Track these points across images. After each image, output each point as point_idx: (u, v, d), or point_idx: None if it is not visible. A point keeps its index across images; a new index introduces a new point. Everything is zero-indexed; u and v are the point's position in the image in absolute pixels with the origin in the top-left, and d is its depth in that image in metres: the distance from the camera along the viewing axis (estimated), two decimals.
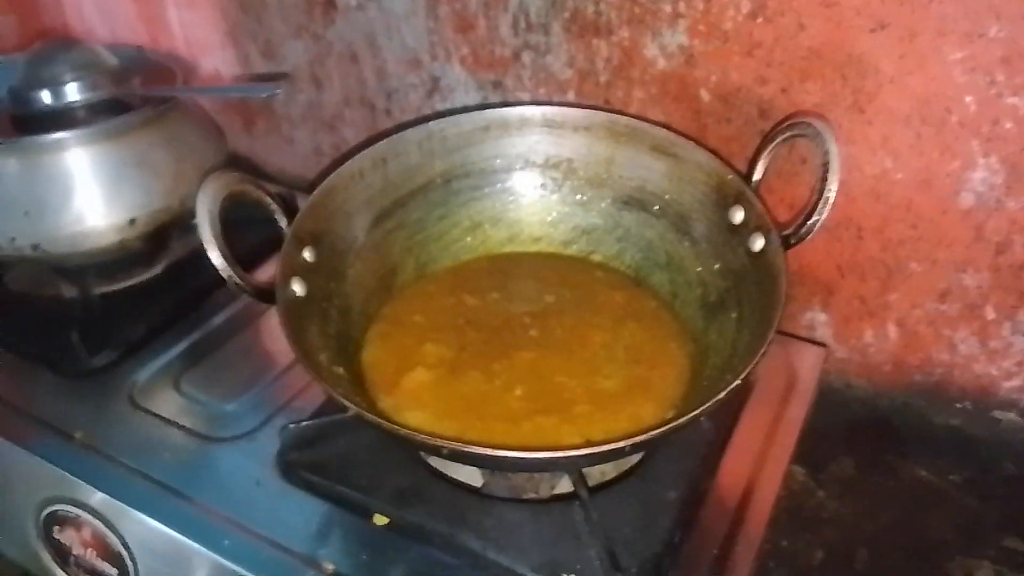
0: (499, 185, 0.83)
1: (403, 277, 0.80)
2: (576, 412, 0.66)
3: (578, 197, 0.82)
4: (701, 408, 0.55)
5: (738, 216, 0.71)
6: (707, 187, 0.74)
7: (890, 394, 0.83)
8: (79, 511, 0.69)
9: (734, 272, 0.71)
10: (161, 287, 0.90)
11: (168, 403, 0.77)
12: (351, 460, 0.67)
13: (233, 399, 0.77)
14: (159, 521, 0.65)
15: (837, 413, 0.84)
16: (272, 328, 0.83)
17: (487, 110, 0.81)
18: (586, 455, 0.55)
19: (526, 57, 0.88)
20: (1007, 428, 0.79)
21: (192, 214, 0.63)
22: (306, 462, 0.68)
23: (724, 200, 0.72)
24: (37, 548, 0.73)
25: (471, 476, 0.67)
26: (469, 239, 0.84)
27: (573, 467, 0.62)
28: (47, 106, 0.84)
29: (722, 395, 0.55)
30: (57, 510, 0.70)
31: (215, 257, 0.62)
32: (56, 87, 0.83)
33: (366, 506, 0.65)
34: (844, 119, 0.73)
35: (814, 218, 0.65)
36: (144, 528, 0.66)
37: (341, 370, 0.67)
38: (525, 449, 0.54)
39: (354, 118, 1.05)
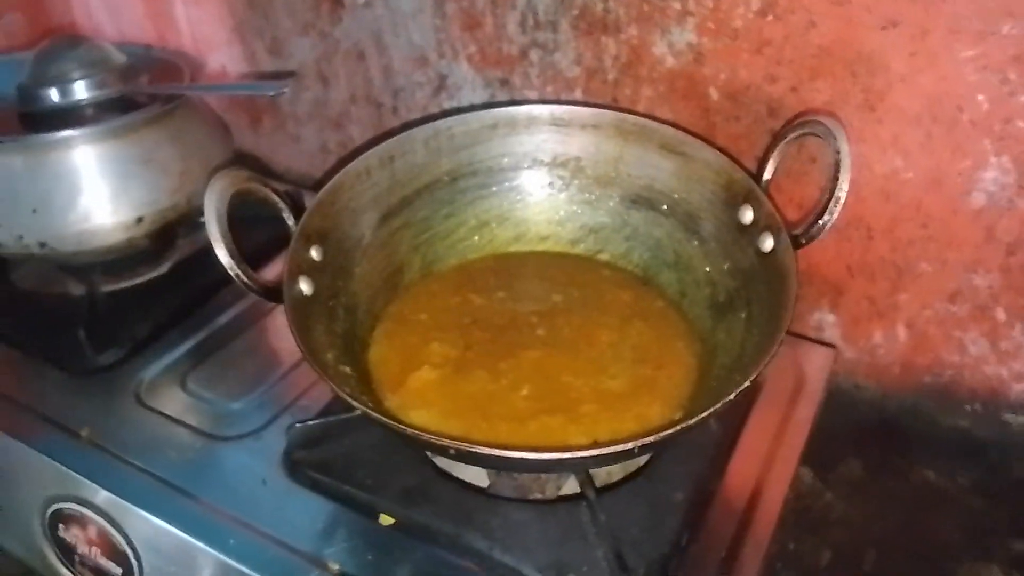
0: (506, 184, 0.83)
1: (409, 276, 0.80)
2: (582, 412, 0.66)
3: (586, 196, 0.82)
4: (711, 409, 0.54)
5: (747, 215, 0.70)
6: (716, 186, 0.74)
7: (899, 396, 0.83)
8: (84, 509, 0.69)
9: (743, 272, 0.70)
10: (168, 285, 0.90)
11: (174, 401, 0.77)
12: (357, 459, 0.67)
13: (239, 398, 0.77)
14: (164, 520, 0.65)
15: (845, 414, 0.84)
16: (279, 326, 0.82)
17: (495, 108, 0.81)
18: (594, 456, 0.55)
19: (534, 55, 0.87)
20: (1017, 430, 0.78)
21: (199, 212, 0.63)
22: (312, 461, 0.68)
23: (733, 199, 0.72)
24: (42, 546, 0.73)
25: (477, 476, 0.67)
26: (476, 238, 0.83)
27: (581, 468, 0.62)
28: (55, 104, 0.83)
29: (732, 396, 0.55)
30: (62, 508, 0.70)
31: (222, 255, 0.62)
32: (64, 85, 0.83)
33: (372, 505, 0.65)
34: (854, 118, 0.73)
35: (825, 218, 0.65)
36: (149, 527, 0.66)
37: (348, 369, 0.67)
38: (533, 449, 0.54)
39: (360, 116, 1.05)
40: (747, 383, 0.55)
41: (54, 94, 0.83)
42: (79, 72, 0.84)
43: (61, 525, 0.71)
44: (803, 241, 0.66)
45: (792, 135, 0.69)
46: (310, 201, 0.71)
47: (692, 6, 0.76)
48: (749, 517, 0.65)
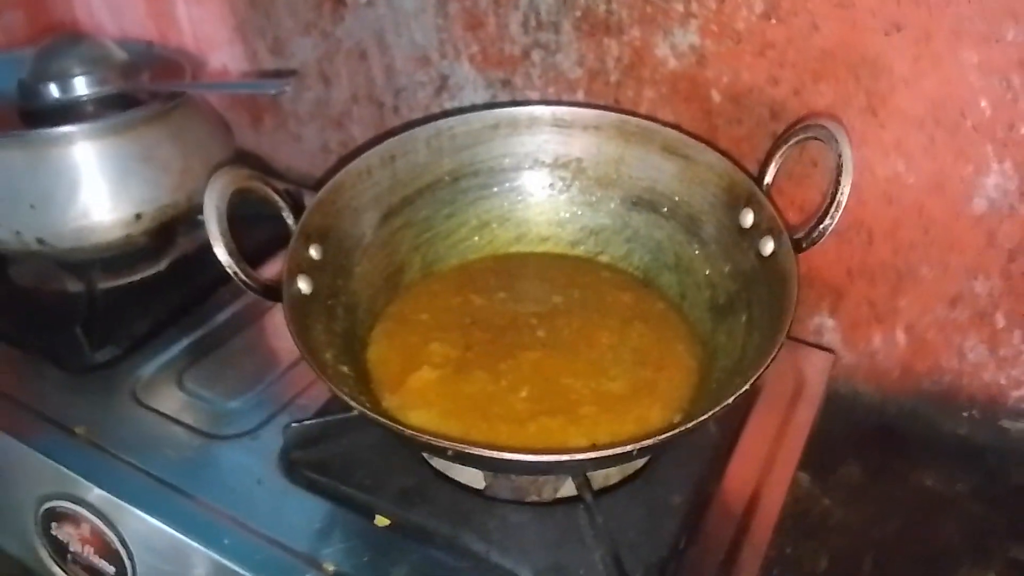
0: (507, 184, 0.82)
1: (410, 275, 0.80)
2: (582, 414, 0.65)
3: (587, 197, 0.82)
4: (711, 412, 0.54)
5: (748, 218, 0.70)
6: (718, 189, 0.73)
7: (898, 401, 0.83)
8: (78, 507, 0.68)
9: (744, 275, 0.70)
10: (166, 283, 0.90)
11: (171, 400, 0.77)
12: (354, 460, 0.67)
13: (236, 396, 0.77)
14: (159, 519, 0.65)
15: (844, 419, 0.83)
16: (277, 325, 0.82)
17: (497, 108, 0.80)
18: (592, 459, 0.55)
19: (536, 56, 0.87)
20: (1015, 437, 0.78)
21: (199, 210, 0.63)
22: (309, 461, 0.68)
23: (735, 202, 0.72)
24: (35, 544, 0.73)
25: (474, 477, 0.66)
26: (476, 238, 0.83)
27: (579, 470, 0.62)
28: (55, 100, 0.83)
29: (732, 399, 0.54)
30: (56, 506, 0.70)
31: (221, 253, 0.62)
32: (64, 81, 0.83)
33: (369, 506, 0.64)
34: (857, 121, 0.73)
35: (826, 222, 0.64)
36: (143, 525, 0.65)
37: (346, 368, 0.66)
38: (531, 451, 0.54)
39: (362, 116, 1.05)
40: (747, 386, 0.55)
41: (54, 90, 0.83)
42: (80, 69, 0.83)
43: (54, 523, 0.70)
44: (804, 245, 0.66)
45: (794, 138, 0.69)
46: (310, 200, 0.71)
47: (695, 8, 0.76)
48: (747, 521, 0.65)
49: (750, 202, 0.70)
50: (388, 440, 0.65)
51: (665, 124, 0.78)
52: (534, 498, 0.65)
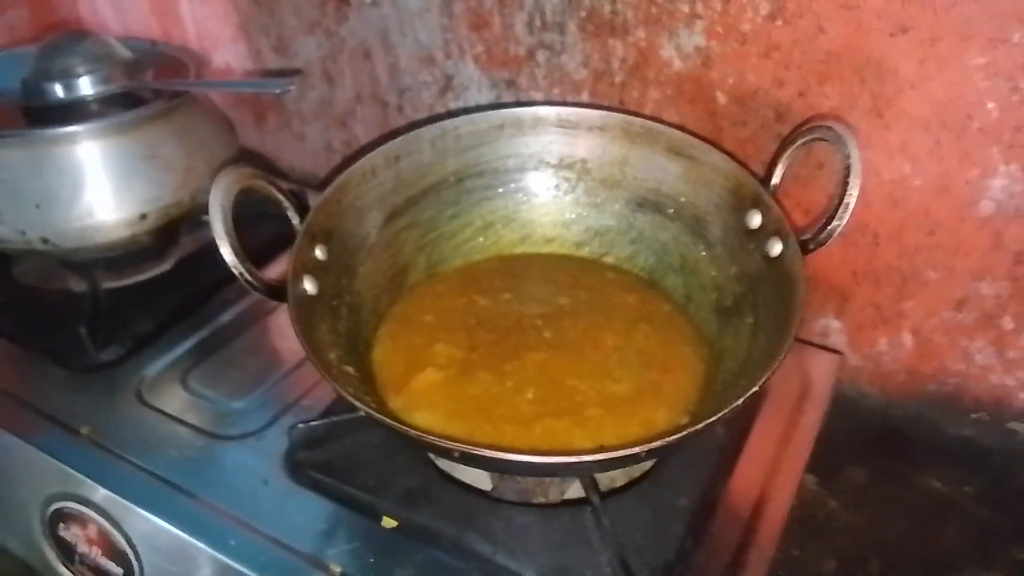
0: (512, 185, 0.82)
1: (414, 276, 0.80)
2: (587, 415, 0.65)
3: (592, 198, 0.82)
4: (719, 414, 0.54)
5: (755, 220, 0.70)
6: (723, 190, 0.73)
7: (904, 403, 0.83)
8: (84, 508, 0.68)
9: (750, 276, 0.70)
10: (170, 282, 0.90)
11: (175, 400, 0.76)
12: (360, 460, 0.67)
13: (241, 397, 0.77)
14: (164, 519, 0.65)
15: (849, 421, 0.83)
16: (282, 325, 0.83)
17: (502, 109, 0.80)
18: (600, 460, 0.55)
19: (541, 56, 0.87)
20: (1022, 439, 0.78)
21: (203, 209, 0.63)
22: (314, 462, 0.68)
23: (741, 203, 0.72)
24: (41, 545, 0.73)
25: (480, 479, 0.66)
26: (481, 239, 0.83)
27: (586, 472, 0.62)
28: (59, 99, 0.83)
29: (740, 401, 0.54)
30: (62, 507, 0.70)
31: (226, 253, 0.62)
32: (68, 80, 0.83)
33: (374, 507, 0.64)
34: (862, 123, 0.73)
35: (834, 223, 0.64)
36: (150, 526, 0.65)
37: (351, 369, 0.66)
38: (538, 453, 0.53)
39: (366, 115, 1.05)
40: (755, 388, 0.55)
41: (58, 89, 0.83)
42: (83, 67, 0.83)
43: (61, 524, 0.70)
44: (811, 246, 0.66)
45: (802, 140, 0.69)
46: (315, 200, 0.71)
47: (700, 9, 0.75)
48: (754, 524, 0.65)
49: (757, 203, 0.70)
50: (393, 441, 0.65)
51: (670, 125, 0.77)
52: (540, 500, 0.65)
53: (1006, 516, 0.74)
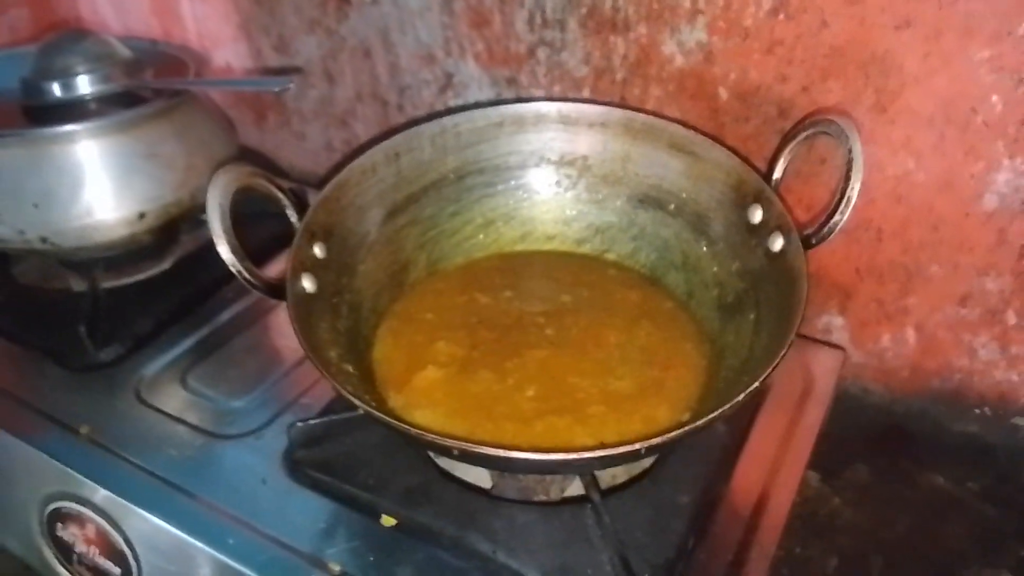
0: (513, 182, 0.82)
1: (415, 274, 0.79)
2: (589, 413, 0.65)
3: (593, 195, 0.81)
4: (719, 411, 0.53)
5: (757, 215, 0.70)
6: (725, 186, 0.73)
7: (907, 400, 0.82)
8: (82, 508, 0.68)
9: (752, 273, 0.70)
10: (170, 282, 0.89)
11: (174, 399, 0.76)
12: (359, 459, 0.67)
13: (240, 396, 0.76)
14: (163, 519, 0.64)
15: (853, 418, 0.83)
16: (281, 324, 0.82)
17: (502, 106, 0.80)
18: (600, 457, 0.54)
19: (541, 53, 0.87)
20: None
21: (202, 208, 0.62)
22: (313, 460, 0.68)
23: (743, 199, 0.71)
24: (40, 544, 0.72)
25: (481, 477, 0.66)
26: (482, 236, 0.83)
27: (586, 469, 0.61)
28: (58, 98, 0.83)
29: (741, 397, 0.54)
30: (61, 507, 0.69)
31: (224, 251, 0.61)
32: (68, 79, 0.82)
33: (374, 506, 0.64)
34: (866, 119, 0.72)
35: (836, 218, 0.64)
36: (148, 526, 0.65)
37: (350, 367, 0.66)
38: (537, 450, 0.53)
39: (366, 114, 1.05)
40: (756, 384, 0.55)
41: (57, 88, 0.82)
42: (83, 66, 0.83)
43: (59, 524, 0.70)
44: (814, 242, 0.65)
45: (804, 134, 0.69)
46: (314, 198, 0.71)
47: (702, 5, 0.75)
48: (756, 521, 0.64)
49: (759, 199, 0.70)
50: (393, 439, 0.65)
51: (672, 121, 0.77)
52: (541, 498, 0.64)
53: (1010, 513, 0.73)
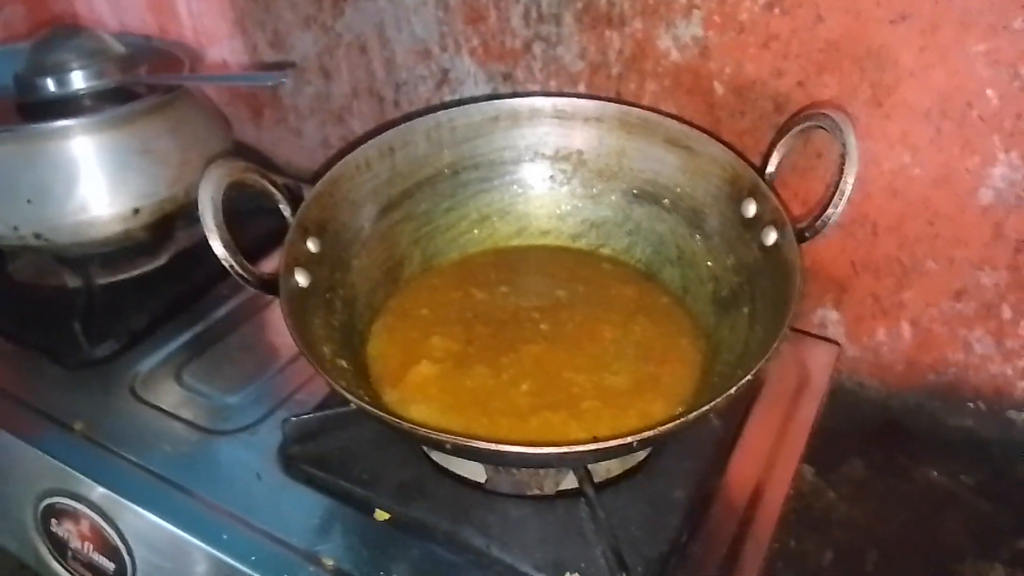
0: (508, 177, 0.82)
1: (410, 269, 0.79)
2: (583, 408, 0.65)
3: (588, 190, 0.81)
4: (710, 404, 0.53)
5: (751, 209, 0.70)
6: (721, 180, 0.73)
7: (902, 394, 0.82)
8: (77, 504, 0.68)
9: (747, 267, 0.70)
10: (165, 278, 0.89)
11: (169, 395, 0.76)
12: (353, 454, 0.66)
13: (235, 391, 0.76)
14: (158, 515, 0.64)
15: (848, 413, 0.83)
16: (276, 320, 0.81)
17: (497, 100, 0.80)
18: (592, 451, 0.54)
19: (537, 48, 0.86)
20: (1022, 429, 0.77)
21: (197, 204, 0.62)
22: (308, 456, 0.67)
23: (738, 193, 0.71)
24: (35, 541, 0.72)
25: (475, 472, 0.66)
26: (477, 232, 0.83)
27: (579, 463, 0.61)
28: (52, 94, 0.83)
29: (733, 391, 0.54)
30: (55, 503, 0.69)
31: (217, 246, 0.61)
32: (61, 74, 0.83)
33: (368, 501, 0.64)
34: (862, 113, 0.72)
35: (829, 211, 0.64)
36: (142, 522, 0.65)
37: (345, 363, 0.66)
38: (529, 444, 0.53)
39: (362, 110, 1.04)
40: (748, 377, 0.54)
41: (51, 84, 0.82)
42: (77, 62, 0.83)
43: (54, 520, 0.70)
44: (808, 235, 0.65)
45: (799, 127, 0.68)
46: (308, 193, 0.70)
47: None
48: (750, 515, 0.64)
49: (753, 193, 0.70)
50: (387, 434, 0.65)
51: (668, 116, 0.77)
52: (536, 492, 0.64)
53: (1005, 507, 0.73)
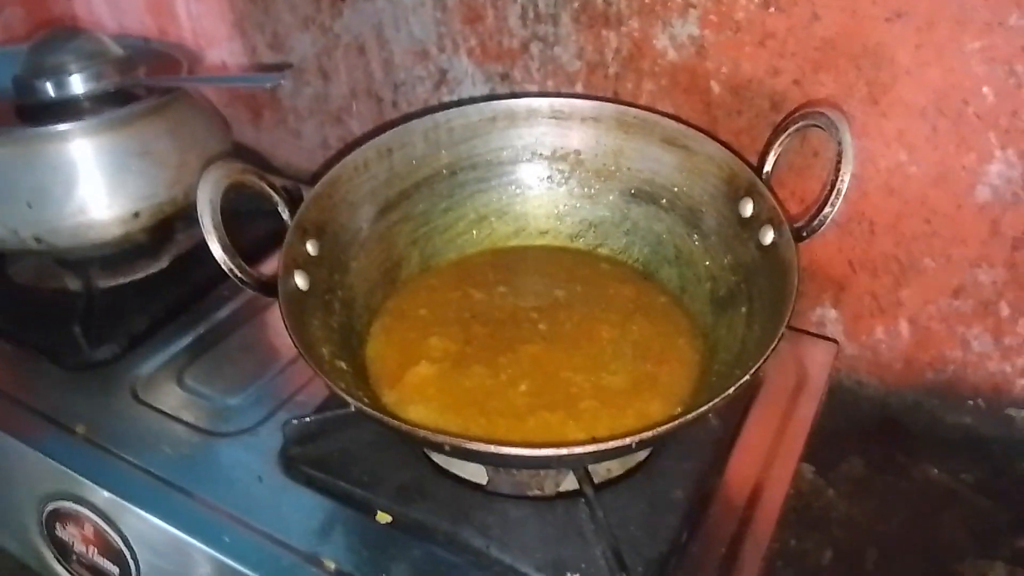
0: (505, 177, 0.82)
1: (408, 270, 0.80)
2: (582, 408, 0.65)
3: (585, 190, 0.81)
4: (709, 404, 0.53)
5: (748, 209, 0.70)
6: (718, 179, 0.73)
7: (901, 392, 0.82)
8: (80, 507, 0.68)
9: (744, 266, 0.70)
10: (166, 280, 0.89)
11: (170, 397, 0.76)
12: (354, 456, 0.67)
13: (236, 394, 0.76)
14: (160, 518, 0.64)
15: (847, 411, 0.83)
16: (277, 321, 0.81)
17: (494, 101, 0.80)
18: (591, 452, 0.54)
19: (534, 48, 0.87)
20: (1021, 427, 0.77)
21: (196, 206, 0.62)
22: (308, 458, 0.68)
23: (735, 193, 0.71)
24: (39, 544, 0.73)
25: (475, 473, 0.66)
26: (475, 232, 0.83)
27: (578, 464, 0.61)
28: (51, 97, 0.83)
29: (731, 391, 0.54)
30: (58, 507, 0.69)
31: (215, 248, 0.61)
32: (60, 77, 0.82)
33: (369, 502, 0.64)
34: (858, 111, 0.72)
35: (826, 210, 0.64)
36: (145, 524, 0.65)
37: (343, 364, 0.66)
38: (527, 445, 0.53)
39: (361, 111, 1.05)
40: (746, 378, 0.55)
41: (50, 87, 0.82)
42: (75, 65, 0.83)
43: (58, 524, 0.70)
44: (804, 234, 0.65)
45: (795, 126, 0.68)
46: (306, 194, 0.71)
47: None
48: (750, 515, 0.64)
49: (750, 192, 0.70)
50: (388, 436, 0.65)
51: (665, 115, 0.77)
52: (536, 492, 0.64)
53: (1006, 504, 0.73)
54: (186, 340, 0.83)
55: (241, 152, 1.11)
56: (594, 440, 0.60)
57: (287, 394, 0.76)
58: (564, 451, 0.53)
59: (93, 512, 0.68)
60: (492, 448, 0.52)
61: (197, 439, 0.72)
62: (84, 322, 0.80)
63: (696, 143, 0.74)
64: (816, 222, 0.64)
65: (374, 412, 0.55)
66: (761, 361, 0.56)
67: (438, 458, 0.67)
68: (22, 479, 0.73)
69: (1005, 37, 0.64)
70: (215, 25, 1.10)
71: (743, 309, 0.68)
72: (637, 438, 0.52)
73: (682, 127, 0.75)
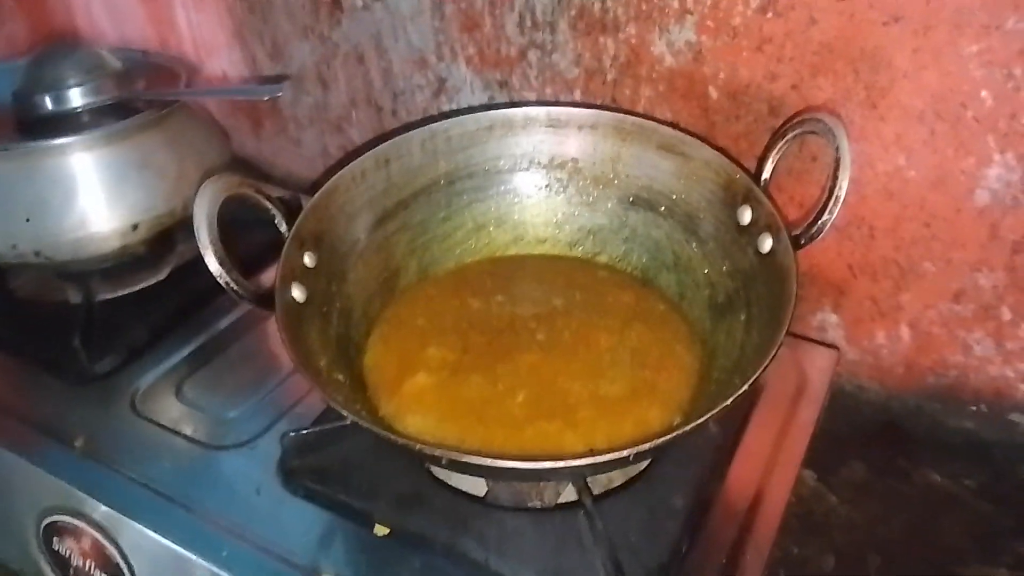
0: (503, 186, 0.82)
1: (406, 279, 0.79)
2: (580, 417, 0.65)
3: (584, 197, 0.81)
4: (708, 414, 0.53)
5: (747, 215, 0.69)
6: (715, 186, 0.73)
7: (902, 397, 0.82)
8: (78, 521, 0.68)
9: (742, 273, 0.69)
10: (166, 292, 0.90)
11: (169, 410, 0.76)
12: (352, 468, 0.67)
13: (235, 406, 0.76)
14: (158, 532, 0.64)
15: (848, 416, 0.82)
16: (275, 333, 0.81)
17: (491, 110, 0.80)
18: (589, 464, 0.54)
19: (532, 56, 0.87)
20: (1023, 431, 0.77)
21: None
22: (307, 470, 0.68)
23: (732, 199, 0.71)
24: (37, 558, 0.72)
25: (474, 484, 0.66)
26: (473, 241, 0.83)
27: (576, 476, 0.61)
28: (50, 111, 0.83)
29: (730, 401, 0.54)
30: (57, 520, 0.69)
31: (211, 262, 0.61)
32: (59, 91, 0.83)
33: (368, 514, 0.64)
34: (856, 115, 0.72)
35: (824, 217, 0.64)
36: (143, 538, 0.65)
37: (341, 375, 0.66)
38: (524, 458, 0.53)
39: (361, 119, 1.05)
40: (745, 387, 0.54)
41: (49, 100, 0.83)
42: (74, 78, 0.83)
43: (56, 537, 0.70)
44: (803, 241, 0.65)
45: (792, 133, 0.68)
46: (304, 205, 0.71)
47: (691, 4, 0.75)
48: (750, 522, 0.64)
49: (748, 199, 0.69)
50: (385, 448, 0.65)
51: (661, 122, 0.77)
52: (536, 504, 0.64)
53: (1007, 509, 0.73)
54: (185, 352, 0.83)
55: (242, 162, 1.11)
56: (591, 452, 0.60)
57: (285, 406, 0.76)
58: (560, 463, 0.53)
59: (91, 526, 0.68)
60: (488, 461, 0.52)
61: (195, 452, 0.72)
62: (84, 335, 0.80)
63: (692, 149, 0.74)
64: (815, 229, 0.64)
65: (370, 425, 0.55)
66: (760, 370, 0.55)
67: (437, 470, 0.66)
68: (21, 492, 0.73)
69: (1003, 40, 0.64)
70: (214, 34, 1.11)
71: (742, 316, 0.68)
72: (635, 450, 0.52)
73: (679, 133, 0.75)
